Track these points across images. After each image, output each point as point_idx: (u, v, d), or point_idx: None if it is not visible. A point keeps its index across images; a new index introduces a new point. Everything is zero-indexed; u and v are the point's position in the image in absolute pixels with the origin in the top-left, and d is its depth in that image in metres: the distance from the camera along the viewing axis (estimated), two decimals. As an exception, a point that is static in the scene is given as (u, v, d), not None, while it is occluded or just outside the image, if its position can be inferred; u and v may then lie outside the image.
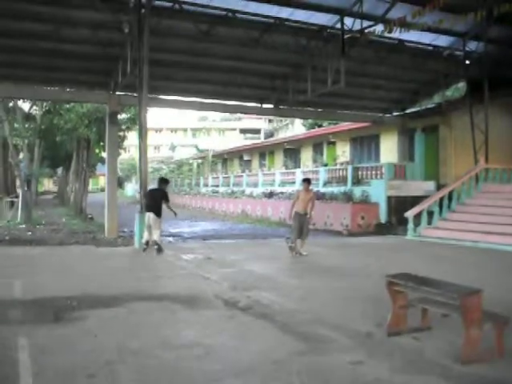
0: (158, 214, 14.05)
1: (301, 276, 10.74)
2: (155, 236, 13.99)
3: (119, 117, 22.24)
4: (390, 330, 6.14)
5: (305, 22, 17.64)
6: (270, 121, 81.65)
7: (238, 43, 18.09)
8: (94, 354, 5.51)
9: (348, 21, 17.49)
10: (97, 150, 30.16)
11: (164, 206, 14.31)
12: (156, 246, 13.89)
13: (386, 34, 17.07)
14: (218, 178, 40.40)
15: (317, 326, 6.62)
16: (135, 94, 16.49)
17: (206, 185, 41.06)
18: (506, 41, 20.11)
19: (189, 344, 5.89)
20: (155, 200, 14.23)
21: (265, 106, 23.77)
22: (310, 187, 14.31)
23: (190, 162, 55.98)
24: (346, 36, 17.84)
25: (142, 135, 15.51)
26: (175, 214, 15.00)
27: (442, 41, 20.40)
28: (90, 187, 40.95)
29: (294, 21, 17.40)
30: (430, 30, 17.94)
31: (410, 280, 6.21)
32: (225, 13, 16.43)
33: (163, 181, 15.52)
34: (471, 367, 5.13)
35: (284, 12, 16.88)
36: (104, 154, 27.94)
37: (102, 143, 26.61)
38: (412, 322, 6.28)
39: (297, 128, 56.93)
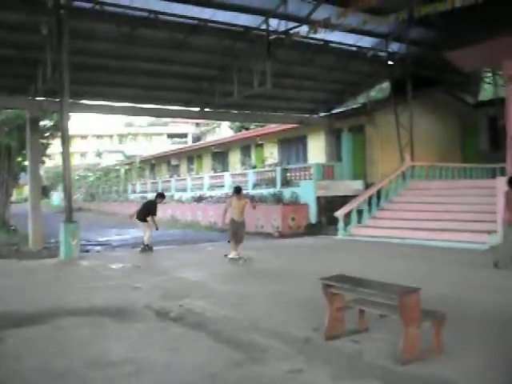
0: (144, 220, 15.57)
1: (234, 281, 10.43)
2: (145, 237, 15.56)
3: (42, 123, 21.40)
4: (328, 334, 5.99)
5: (229, 23, 17.41)
6: (197, 125, 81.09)
7: (161, 45, 17.75)
8: (13, 380, 5.11)
9: (273, 22, 17.42)
10: (19, 159, 28.98)
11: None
12: (142, 246, 15.49)
13: (311, 35, 17.09)
14: (146, 183, 39.77)
15: (253, 334, 6.39)
16: (57, 100, 15.85)
17: (134, 191, 40.33)
18: (426, 42, 20.57)
19: (119, 361, 5.53)
20: (142, 210, 15.84)
21: (191, 109, 23.47)
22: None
23: (117, 168, 54.87)
24: (271, 37, 17.77)
25: (65, 141, 14.91)
26: (157, 228, 15.77)
27: (366, 42, 20.66)
28: (14, 197, 39.40)
29: (219, 22, 17.14)
30: (354, 31, 18.13)
31: (346, 282, 6.08)
32: (147, 14, 15.98)
33: (159, 195, 16.62)
34: (411, 367, 5.05)
35: (207, 13, 16.57)
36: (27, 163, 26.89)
37: (24, 151, 25.57)
38: (350, 325, 6.16)
39: (224, 131, 56.77)
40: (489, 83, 28.20)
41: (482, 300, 7.94)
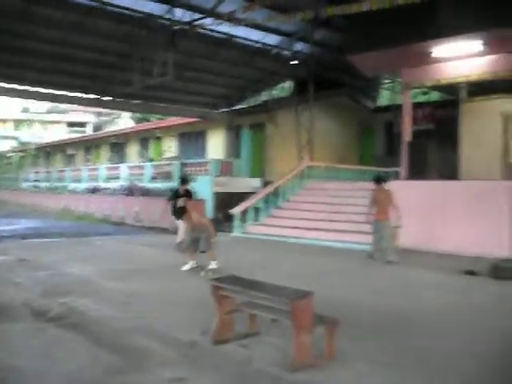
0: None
1: (126, 278, 9.79)
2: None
3: None
4: (216, 338, 5.67)
5: (130, 8, 16.73)
6: (98, 114, 78.78)
7: (58, 26, 16.83)
8: None
9: (178, 12, 16.96)
10: None
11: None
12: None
13: (216, 28, 16.80)
14: (39, 172, 38.15)
15: (138, 337, 5.96)
16: None
17: (27, 180, 38.59)
18: (330, 44, 20.76)
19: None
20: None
21: (88, 96, 22.58)
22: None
23: (9, 155, 52.27)
24: (175, 27, 17.31)
25: None
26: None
27: (271, 39, 20.59)
28: None
29: (118, 6, 16.43)
30: (259, 27, 18.00)
31: (237, 284, 5.80)
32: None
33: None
34: (302, 374, 4.82)
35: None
36: None
37: None
38: (241, 328, 5.89)
39: (125, 122, 55.46)
40: (387, 89, 28.93)
41: (373, 302, 7.92)
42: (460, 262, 11.69)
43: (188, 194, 13.27)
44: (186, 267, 10.69)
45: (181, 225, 13.18)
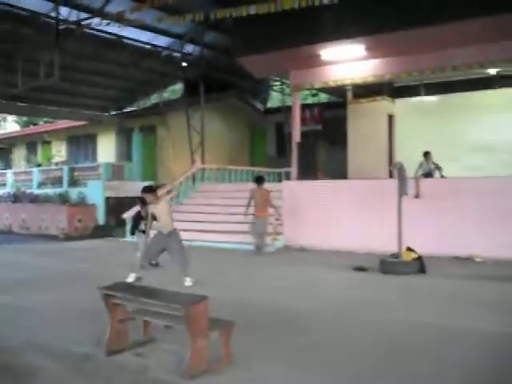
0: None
1: (14, 290, 9.26)
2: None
3: None
4: (110, 349, 5.49)
5: (11, 4, 15.97)
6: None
7: None
8: None
9: (64, 10, 16.41)
10: None
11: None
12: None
13: (105, 29, 16.41)
14: None
15: (30, 354, 5.62)
16: None
17: None
18: (221, 46, 20.81)
19: None
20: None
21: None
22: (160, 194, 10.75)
23: None
24: (60, 26, 16.72)
25: None
26: None
27: (161, 41, 20.40)
28: None
29: (0, 2, 15.69)
30: (149, 28, 17.76)
31: (128, 291, 5.64)
32: None
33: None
34: (199, 380, 4.76)
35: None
36: None
37: None
38: (135, 336, 5.74)
39: (9, 126, 53.03)
40: (277, 91, 29.39)
41: (268, 301, 7.98)
42: (351, 258, 12.04)
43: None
44: (130, 279, 9.49)
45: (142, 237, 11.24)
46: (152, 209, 9.46)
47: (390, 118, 19.04)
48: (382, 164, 18.15)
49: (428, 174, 14.78)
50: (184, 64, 22.05)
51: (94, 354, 5.50)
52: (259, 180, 13.87)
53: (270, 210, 13.73)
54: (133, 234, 12.23)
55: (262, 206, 13.51)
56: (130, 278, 9.47)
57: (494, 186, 12.71)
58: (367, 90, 18.58)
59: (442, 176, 14.87)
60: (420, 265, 10.58)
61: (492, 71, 16.60)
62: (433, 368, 5.10)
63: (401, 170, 10.93)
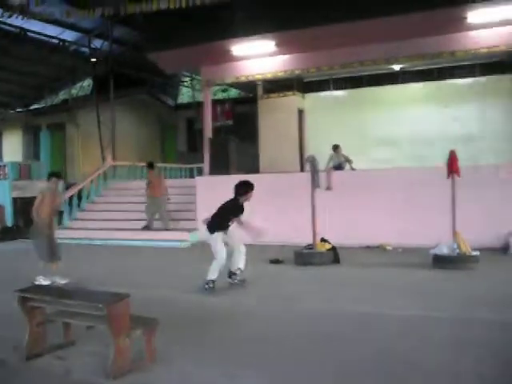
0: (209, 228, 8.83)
1: None
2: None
3: None
4: (29, 353, 5.35)
5: None
6: None
7: None
8: None
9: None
10: None
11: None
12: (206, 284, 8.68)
13: (7, 21, 15.78)
14: None
15: None
16: None
17: None
18: (130, 41, 20.54)
19: None
20: (213, 215, 9.08)
21: None
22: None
23: None
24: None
25: None
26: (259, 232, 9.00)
27: (69, 35, 19.92)
28: None
29: None
30: (56, 22, 17.25)
31: (46, 293, 5.52)
32: None
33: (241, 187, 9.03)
34: (123, 380, 4.74)
35: None
36: None
37: None
38: (56, 339, 5.61)
39: None
40: (188, 87, 29.29)
41: (192, 298, 8.03)
42: (267, 251, 12.20)
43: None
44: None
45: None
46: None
47: (300, 112, 19.39)
48: (293, 158, 18.48)
49: (338, 167, 15.17)
50: (93, 59, 21.59)
51: (11, 360, 5.34)
52: (151, 165, 15.92)
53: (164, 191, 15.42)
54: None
55: (157, 187, 15.33)
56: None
57: (401, 177, 13.26)
58: (277, 85, 18.84)
59: (352, 168, 15.30)
60: (334, 255, 10.90)
61: (396, 67, 17.23)
62: (353, 351, 5.33)
63: (313, 163, 11.18)
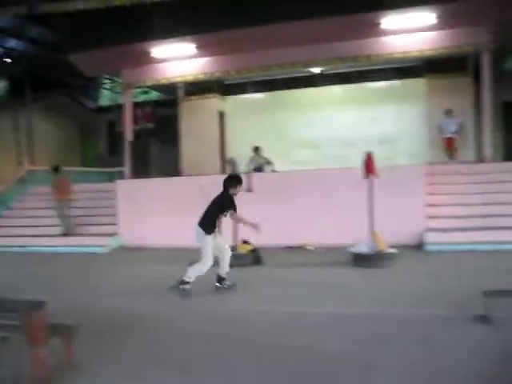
0: (206, 230, 8.30)
1: None
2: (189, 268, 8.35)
3: None
4: None
5: None
6: None
7: None
8: None
9: None
10: None
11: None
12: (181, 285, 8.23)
13: None
14: None
15: None
16: None
17: None
18: (47, 42, 19.98)
19: None
20: (206, 211, 8.52)
21: None
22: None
23: None
24: None
25: None
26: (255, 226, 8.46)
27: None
28: None
29: None
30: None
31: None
32: None
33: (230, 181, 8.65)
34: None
35: None
36: None
37: None
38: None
39: None
40: (109, 89, 28.81)
41: (112, 303, 7.91)
42: (189, 255, 12.01)
43: None
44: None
45: None
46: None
47: (221, 114, 19.46)
48: (215, 160, 18.51)
49: (259, 169, 15.31)
50: (7, 60, 20.89)
51: None
52: (56, 169, 15.85)
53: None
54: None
55: (63, 190, 15.15)
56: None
57: (321, 178, 13.54)
58: (198, 88, 18.85)
59: (273, 170, 15.47)
60: (256, 256, 11.01)
61: (315, 70, 17.57)
62: (276, 349, 5.43)
63: (233, 164, 11.26)
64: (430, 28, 13.90)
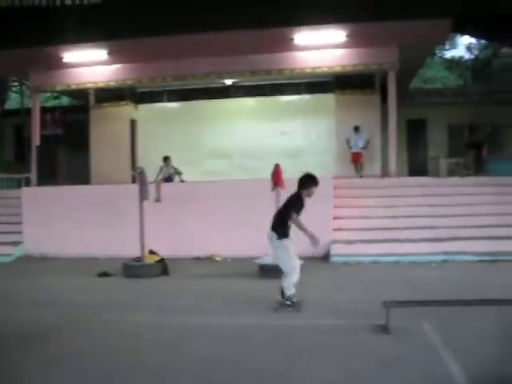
0: (280, 233, 7.43)
1: None
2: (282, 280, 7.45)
3: None
4: None
5: None
6: None
7: None
8: None
9: None
10: None
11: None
12: (282, 298, 7.44)
13: None
14: None
15: None
16: None
17: None
18: None
19: None
20: (279, 211, 7.81)
21: None
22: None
23: None
24: None
25: None
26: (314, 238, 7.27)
27: None
28: None
29: None
30: None
31: None
32: None
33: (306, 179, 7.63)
34: None
35: None
36: None
37: None
38: None
39: None
40: (16, 92, 27.92)
41: (14, 314, 7.58)
42: (96, 265, 11.92)
43: None
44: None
45: None
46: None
47: (133, 122, 19.22)
48: (125, 169, 18.23)
49: (168, 179, 15.21)
50: None
51: None
52: None
53: None
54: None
55: None
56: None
57: (231, 189, 13.58)
58: (110, 95, 18.57)
59: (182, 180, 15.40)
60: (163, 267, 10.90)
61: (228, 82, 17.69)
62: (178, 360, 5.41)
63: (142, 174, 11.15)
64: (340, 46, 14.36)
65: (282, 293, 7.38)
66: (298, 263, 7.33)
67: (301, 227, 7.19)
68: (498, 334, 5.91)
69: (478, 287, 8.54)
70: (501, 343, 5.58)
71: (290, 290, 7.30)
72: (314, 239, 7.17)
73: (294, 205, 7.34)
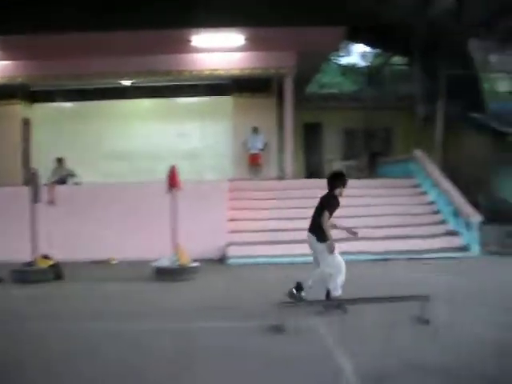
0: (319, 236, 7.17)
1: None
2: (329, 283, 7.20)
3: None
4: None
5: None
6: None
7: None
8: None
9: None
10: None
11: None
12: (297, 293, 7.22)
13: None
14: None
15: None
16: None
17: None
18: None
19: None
20: (315, 213, 7.48)
21: None
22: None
23: None
24: None
25: None
26: (354, 233, 7.57)
27: None
28: None
29: None
30: None
31: None
32: None
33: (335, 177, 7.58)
34: None
35: None
36: None
37: None
38: None
39: None
40: None
41: None
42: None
43: None
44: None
45: None
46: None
47: (26, 122, 18.46)
48: (17, 170, 17.46)
49: (62, 181, 14.79)
50: None
51: None
52: None
53: None
54: None
55: None
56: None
57: (127, 191, 13.39)
58: (1, 93, 17.75)
59: (76, 182, 15.01)
60: (57, 271, 10.56)
61: (126, 82, 17.39)
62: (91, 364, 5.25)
63: (34, 176, 10.78)
64: (239, 49, 14.51)
65: (297, 287, 7.28)
66: (342, 262, 7.22)
67: (336, 226, 7.45)
68: (386, 331, 6.15)
69: (371, 286, 8.85)
70: (387, 340, 5.82)
71: (337, 291, 7.17)
72: (353, 233, 7.51)
73: (330, 205, 7.30)
